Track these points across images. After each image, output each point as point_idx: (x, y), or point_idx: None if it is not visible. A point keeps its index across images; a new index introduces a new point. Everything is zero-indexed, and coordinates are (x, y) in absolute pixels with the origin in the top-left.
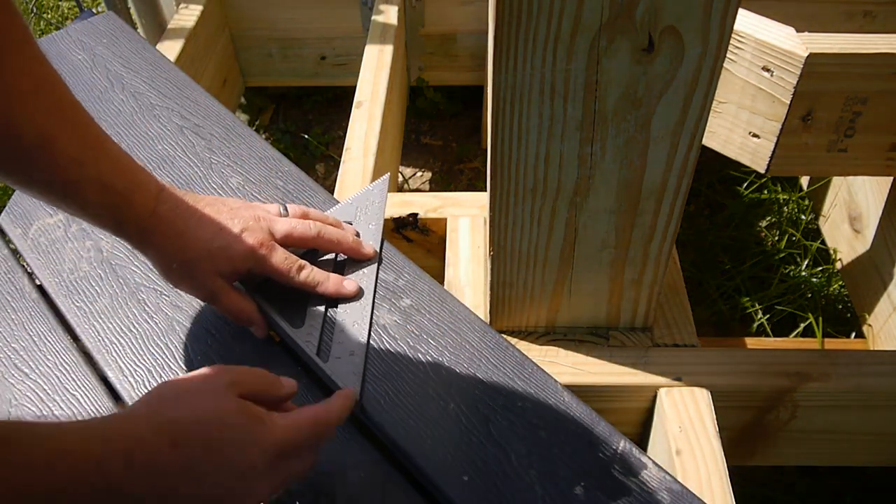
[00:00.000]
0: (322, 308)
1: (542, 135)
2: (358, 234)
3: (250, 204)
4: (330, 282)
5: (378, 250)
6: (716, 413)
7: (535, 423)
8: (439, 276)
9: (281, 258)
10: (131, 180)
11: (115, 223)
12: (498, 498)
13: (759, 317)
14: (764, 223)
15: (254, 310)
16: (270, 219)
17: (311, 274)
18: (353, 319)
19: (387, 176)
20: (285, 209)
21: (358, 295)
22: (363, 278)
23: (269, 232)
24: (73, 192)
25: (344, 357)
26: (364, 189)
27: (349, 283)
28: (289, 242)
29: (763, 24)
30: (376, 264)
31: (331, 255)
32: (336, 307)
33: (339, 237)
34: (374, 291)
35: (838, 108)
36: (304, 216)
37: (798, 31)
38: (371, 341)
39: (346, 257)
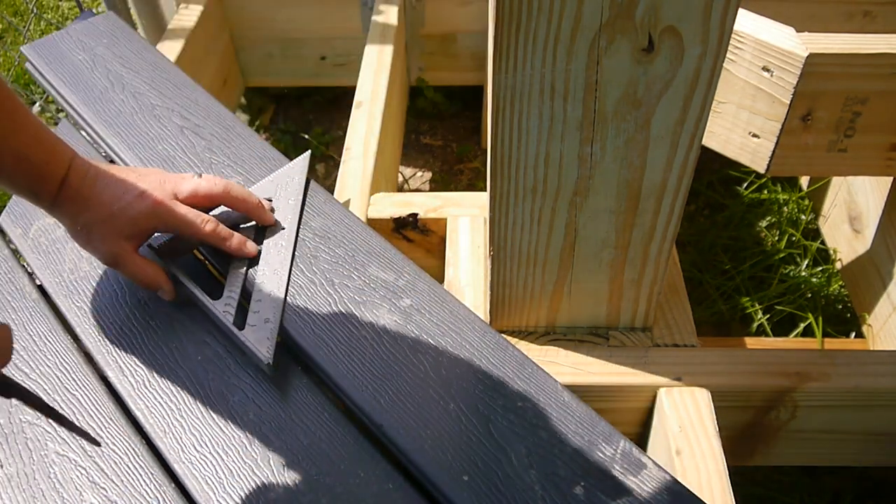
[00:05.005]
0: (240, 280)
1: (542, 135)
2: (273, 210)
3: (161, 171)
4: (234, 239)
5: (297, 223)
6: (716, 413)
7: (535, 423)
8: (439, 276)
9: (185, 210)
10: (47, 151)
11: (31, 192)
12: (498, 498)
13: (758, 317)
14: (764, 223)
15: (159, 274)
16: (176, 180)
17: (217, 228)
18: (269, 289)
19: (307, 153)
20: (199, 176)
21: (255, 257)
22: (280, 249)
23: (173, 193)
24: None
25: (259, 324)
26: (285, 166)
27: (251, 244)
28: (196, 201)
29: (763, 24)
30: (294, 236)
31: (251, 225)
32: (254, 278)
33: (245, 195)
34: (292, 262)
35: (838, 108)
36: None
37: (798, 31)
38: (371, 341)
39: (265, 228)
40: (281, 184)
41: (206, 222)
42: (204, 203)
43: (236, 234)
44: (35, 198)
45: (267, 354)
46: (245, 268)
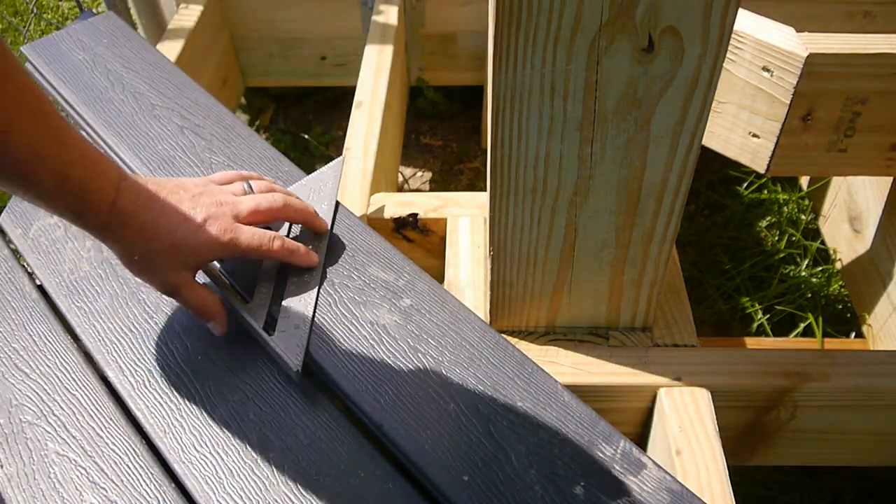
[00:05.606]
0: (270, 286)
1: (542, 135)
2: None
3: (210, 185)
4: (302, 250)
5: (330, 228)
6: (716, 413)
7: (535, 423)
8: (439, 276)
9: (249, 234)
10: (91, 171)
11: (74, 214)
12: (498, 498)
13: (758, 317)
14: (764, 223)
15: (217, 305)
16: (234, 201)
17: (285, 244)
18: (300, 295)
19: (341, 158)
20: (249, 187)
21: (315, 266)
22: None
23: (234, 215)
24: (29, 182)
25: (289, 330)
26: (318, 171)
27: (314, 253)
28: (257, 219)
29: (763, 24)
30: (326, 242)
31: (284, 231)
32: (283, 285)
33: (304, 206)
34: (323, 267)
35: (838, 108)
36: (270, 191)
37: (798, 31)
38: (371, 341)
39: (298, 234)
40: (314, 188)
41: (272, 241)
42: (265, 220)
43: (301, 245)
44: (79, 220)
45: (296, 361)
46: (275, 272)
